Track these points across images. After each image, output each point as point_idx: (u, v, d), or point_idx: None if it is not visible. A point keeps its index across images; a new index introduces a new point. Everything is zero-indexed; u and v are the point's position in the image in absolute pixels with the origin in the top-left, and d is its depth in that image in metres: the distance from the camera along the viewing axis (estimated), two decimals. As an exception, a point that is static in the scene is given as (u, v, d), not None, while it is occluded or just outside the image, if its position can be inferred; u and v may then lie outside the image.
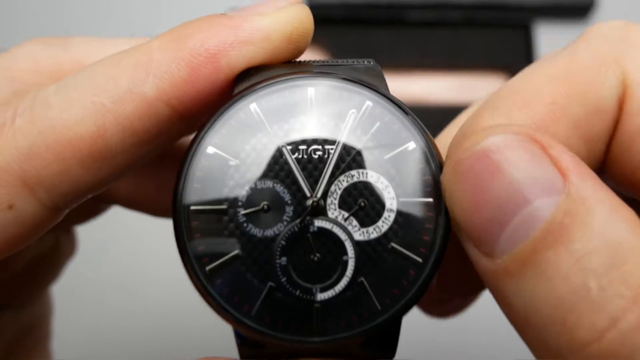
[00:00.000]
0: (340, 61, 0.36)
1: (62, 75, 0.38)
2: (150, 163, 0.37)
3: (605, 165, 0.34)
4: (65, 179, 0.33)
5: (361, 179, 0.33)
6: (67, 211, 0.35)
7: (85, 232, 0.55)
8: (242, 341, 0.33)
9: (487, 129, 0.30)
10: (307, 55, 0.38)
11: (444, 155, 0.33)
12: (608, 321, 0.25)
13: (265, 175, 0.32)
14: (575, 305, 0.26)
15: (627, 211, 0.27)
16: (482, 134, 0.30)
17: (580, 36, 0.35)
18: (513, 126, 0.30)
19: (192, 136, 0.34)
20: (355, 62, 0.36)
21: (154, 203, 0.48)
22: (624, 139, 0.32)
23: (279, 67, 0.35)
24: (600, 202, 0.27)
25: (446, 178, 0.31)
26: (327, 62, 0.36)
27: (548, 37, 0.85)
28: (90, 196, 0.35)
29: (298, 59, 0.37)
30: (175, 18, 0.39)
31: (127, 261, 0.75)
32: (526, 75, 0.34)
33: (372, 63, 0.36)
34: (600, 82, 0.32)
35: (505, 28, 0.85)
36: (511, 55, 0.84)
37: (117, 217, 0.55)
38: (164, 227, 0.40)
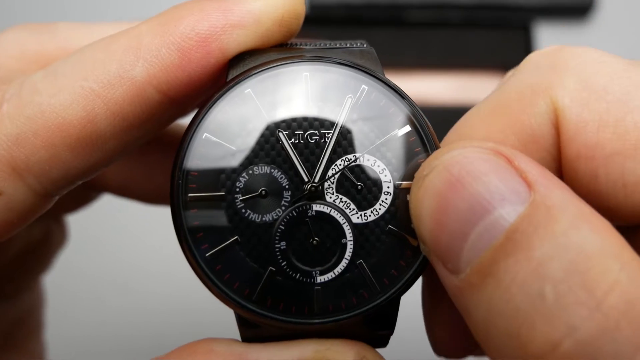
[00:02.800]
0: (333, 44, 0.36)
1: (48, 61, 0.37)
2: (139, 149, 0.37)
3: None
4: (54, 165, 0.32)
5: (358, 162, 0.33)
6: (57, 198, 0.35)
7: (82, 227, 0.54)
8: (243, 322, 0.33)
9: (450, 145, 0.29)
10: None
11: None
12: (564, 330, 0.24)
13: (262, 161, 0.32)
14: (529, 315, 0.25)
15: (596, 219, 0.26)
16: (443, 149, 0.29)
17: (515, 69, 0.34)
18: (475, 141, 0.29)
19: (182, 121, 0.34)
20: (349, 45, 0.35)
21: (143, 189, 0.48)
22: (568, 164, 0.31)
23: (272, 51, 0.35)
24: (565, 210, 0.26)
25: (412, 199, 0.30)
26: (320, 45, 0.36)
27: (548, 37, 0.84)
28: (80, 182, 0.34)
29: (290, 42, 0.37)
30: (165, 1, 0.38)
31: (123, 256, 0.75)
32: (466, 116, 0.34)
33: (365, 45, 0.35)
34: (530, 112, 0.31)
35: (505, 28, 0.84)
36: (511, 55, 0.82)
37: (113, 211, 0.55)
38: (161, 220, 0.40)
